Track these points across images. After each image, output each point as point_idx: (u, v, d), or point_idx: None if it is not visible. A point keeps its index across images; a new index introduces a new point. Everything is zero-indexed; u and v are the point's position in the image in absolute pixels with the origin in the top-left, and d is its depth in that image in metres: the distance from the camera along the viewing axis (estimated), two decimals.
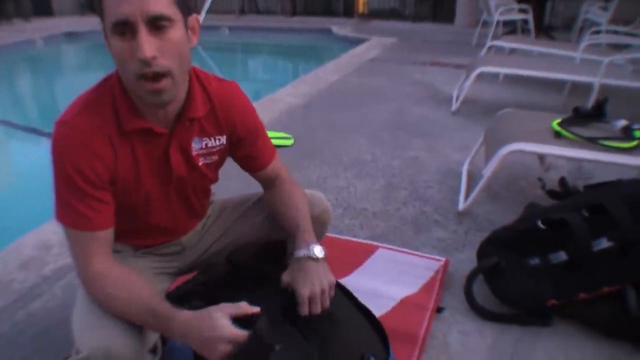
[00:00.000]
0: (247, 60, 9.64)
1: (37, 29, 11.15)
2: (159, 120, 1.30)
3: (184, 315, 1.20)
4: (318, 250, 1.40)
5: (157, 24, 1.12)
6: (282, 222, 1.56)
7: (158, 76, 1.15)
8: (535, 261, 1.95)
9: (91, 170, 1.23)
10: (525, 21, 7.55)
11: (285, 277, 1.39)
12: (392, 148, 3.78)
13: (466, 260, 2.31)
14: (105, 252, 1.30)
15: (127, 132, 1.27)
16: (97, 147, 1.24)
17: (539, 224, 1.99)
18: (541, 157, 3.14)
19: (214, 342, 1.15)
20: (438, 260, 2.32)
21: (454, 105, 4.67)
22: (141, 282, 1.29)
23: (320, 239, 1.64)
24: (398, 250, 2.41)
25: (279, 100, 5.11)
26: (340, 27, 10.31)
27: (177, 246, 1.62)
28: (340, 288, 1.55)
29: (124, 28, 1.11)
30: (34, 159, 4.75)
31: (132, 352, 1.22)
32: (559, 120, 2.62)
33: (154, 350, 1.33)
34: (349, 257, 2.32)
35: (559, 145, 2.46)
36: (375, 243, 2.47)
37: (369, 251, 2.39)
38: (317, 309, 1.34)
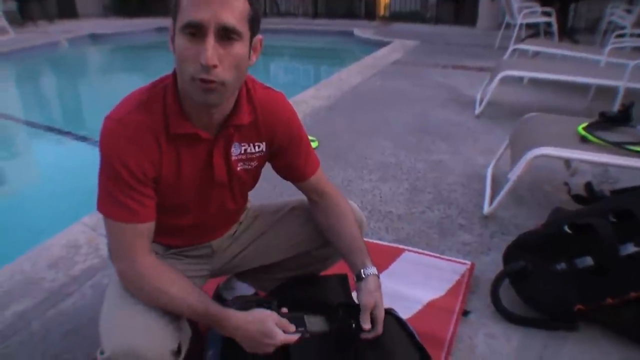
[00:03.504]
0: (268, 63, 9.67)
1: (61, 30, 11.34)
2: (205, 126, 1.33)
3: (236, 317, 1.30)
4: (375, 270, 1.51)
5: (226, 34, 1.15)
6: (334, 237, 1.60)
7: (213, 81, 1.18)
8: (561, 266, 1.96)
9: (138, 167, 1.27)
10: (548, 24, 7.50)
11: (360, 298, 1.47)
12: (416, 151, 3.80)
13: (492, 264, 2.33)
14: (149, 247, 1.34)
15: (174, 135, 1.31)
16: (146, 146, 1.28)
17: (565, 228, 2.00)
18: (567, 162, 3.14)
19: (265, 345, 1.30)
20: (464, 263, 2.33)
21: (478, 109, 4.68)
22: (186, 279, 1.34)
23: None
24: (424, 254, 2.43)
25: (302, 102, 5.15)
26: (362, 30, 10.33)
27: (207, 249, 1.65)
28: (403, 327, 1.62)
29: (195, 30, 1.14)
30: (57, 159, 4.83)
31: (154, 354, 1.26)
32: (584, 125, 2.62)
33: (177, 352, 1.35)
34: (375, 260, 2.28)
35: (585, 150, 2.46)
36: (400, 246, 2.49)
37: (394, 254, 2.41)
38: (378, 326, 1.44)
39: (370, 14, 12.61)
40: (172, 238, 1.57)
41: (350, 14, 12.77)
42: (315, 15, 12.69)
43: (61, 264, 2.39)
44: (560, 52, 5.44)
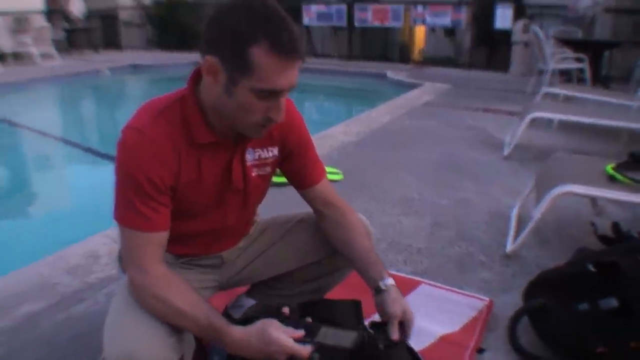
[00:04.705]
0: (302, 100, 9.82)
1: (105, 60, 11.98)
2: (226, 134, 1.37)
3: (238, 331, 1.26)
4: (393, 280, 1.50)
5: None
6: (347, 250, 1.58)
7: None
8: (583, 306, 1.88)
9: (157, 175, 1.29)
10: (581, 70, 7.45)
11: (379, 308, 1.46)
12: (441, 188, 3.75)
13: (511, 303, 2.24)
14: (161, 256, 1.34)
15: (198, 144, 1.33)
16: (165, 155, 1.30)
17: (589, 266, 1.93)
18: (593, 201, 3.05)
19: (273, 353, 1.24)
20: (482, 299, 2.26)
21: (507, 150, 4.62)
22: (196, 292, 1.32)
23: None
24: (441, 287, 2.36)
25: (331, 137, 5.18)
26: (395, 72, 10.37)
27: (217, 259, 1.65)
28: (414, 357, 1.58)
29: (269, 93, 1.21)
30: (90, 176, 5.11)
31: None
32: (613, 165, 2.56)
33: None
34: None
35: (613, 189, 2.39)
36: (417, 278, 2.43)
37: (411, 286, 2.35)
38: (410, 331, 1.42)
39: (404, 58, 12.69)
40: (185, 246, 1.57)
41: (385, 58, 12.86)
42: (350, 57, 12.79)
43: (79, 271, 2.42)
44: (592, 96, 5.36)
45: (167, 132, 1.30)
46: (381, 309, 1.44)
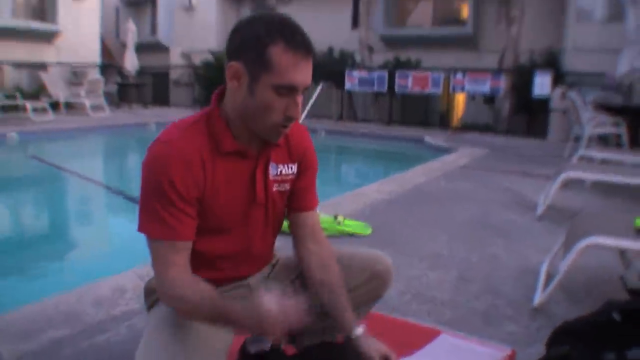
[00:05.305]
0: (342, 161, 10.01)
1: (152, 114, 12.82)
2: (250, 144, 1.46)
3: (237, 307, 1.31)
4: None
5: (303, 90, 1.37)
6: (331, 293, 1.61)
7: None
8: (610, 357, 1.82)
9: (182, 185, 1.37)
10: (619, 136, 7.39)
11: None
12: (471, 245, 3.72)
13: (537, 356, 2.17)
14: (184, 262, 1.40)
15: (223, 153, 1.43)
16: (193, 167, 1.39)
17: (615, 315, 1.88)
18: (622, 255, 2.98)
19: (263, 319, 1.24)
20: (503, 349, 2.20)
21: (540, 210, 4.56)
22: (209, 286, 1.38)
23: (379, 297, 1.79)
24: (461, 337, 2.31)
25: (364, 194, 5.23)
26: (433, 137, 10.43)
27: (245, 288, 1.67)
28: None
29: (286, 89, 1.33)
30: (124, 218, 5.35)
31: None
32: None
33: None
34: (409, 338, 2.24)
35: None
36: (437, 328, 2.39)
37: (430, 336, 2.29)
38: None
39: (443, 124, 12.78)
40: (213, 270, 1.59)
41: (424, 123, 12.96)
42: (390, 122, 12.94)
43: (105, 303, 2.50)
44: (628, 158, 5.29)
45: (193, 142, 1.39)
46: (363, 351, 1.52)
